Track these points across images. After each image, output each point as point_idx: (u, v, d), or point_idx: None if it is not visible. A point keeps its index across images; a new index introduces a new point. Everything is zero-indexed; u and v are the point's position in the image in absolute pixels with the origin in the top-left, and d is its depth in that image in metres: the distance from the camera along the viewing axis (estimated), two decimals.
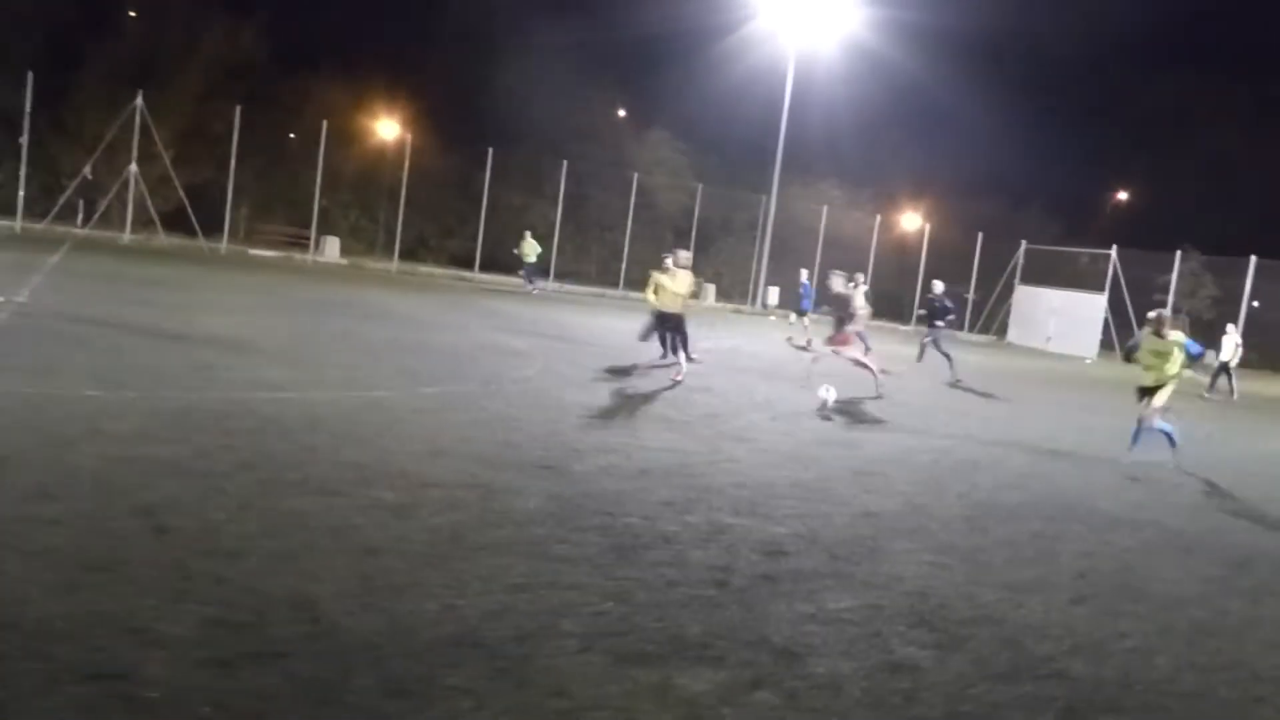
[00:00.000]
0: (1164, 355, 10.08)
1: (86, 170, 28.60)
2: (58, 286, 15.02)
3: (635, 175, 35.25)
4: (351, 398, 9.00)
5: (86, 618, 3.82)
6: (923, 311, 19.63)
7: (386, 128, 37.53)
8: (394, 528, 5.33)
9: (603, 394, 11.08)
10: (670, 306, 12.93)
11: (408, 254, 34.27)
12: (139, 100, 28.36)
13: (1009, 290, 36.49)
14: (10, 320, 10.91)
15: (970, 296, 37.55)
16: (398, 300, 21.02)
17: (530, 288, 29.26)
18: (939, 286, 19.35)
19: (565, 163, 33.61)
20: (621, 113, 44.15)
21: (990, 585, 5.63)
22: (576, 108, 39.40)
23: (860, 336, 15.34)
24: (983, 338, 35.54)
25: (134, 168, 28.46)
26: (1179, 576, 6.33)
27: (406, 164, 32.75)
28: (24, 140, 27.77)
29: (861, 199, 41.44)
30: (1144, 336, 10.41)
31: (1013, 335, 35.26)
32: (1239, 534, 7.90)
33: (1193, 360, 10.10)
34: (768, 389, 13.20)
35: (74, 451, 6.04)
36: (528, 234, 29.92)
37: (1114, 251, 33.26)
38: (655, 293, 13.15)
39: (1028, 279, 36.26)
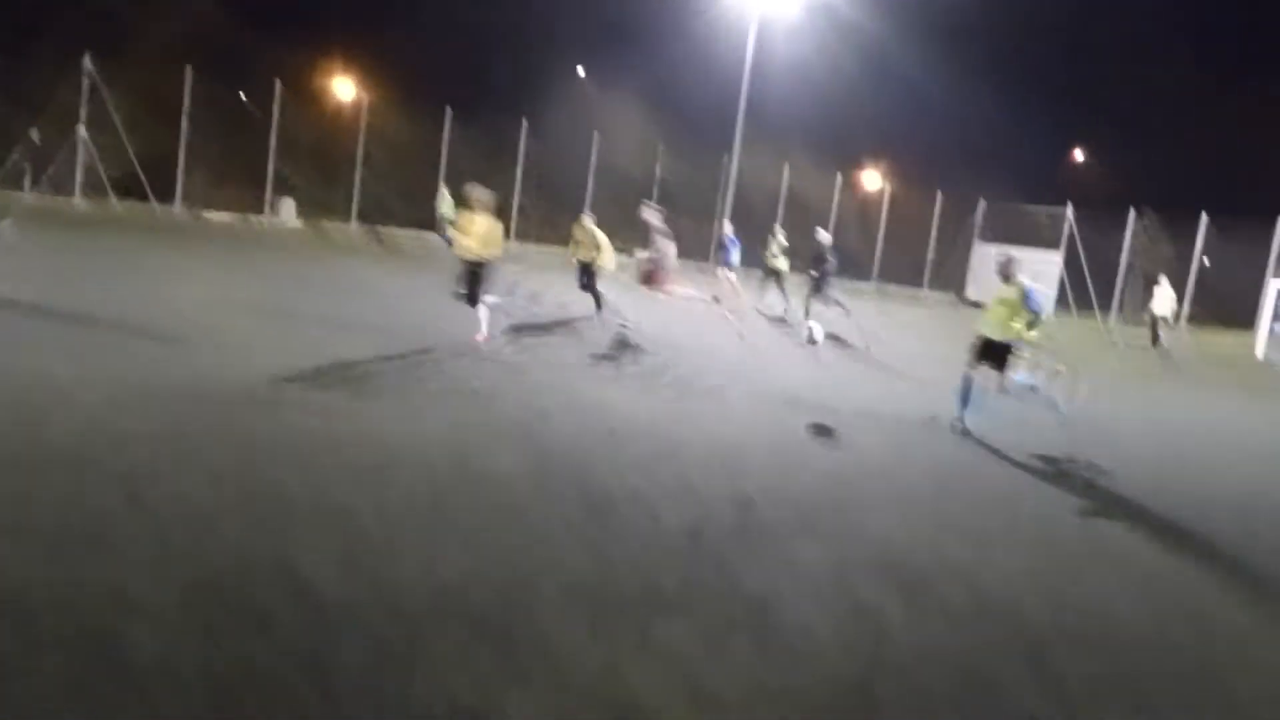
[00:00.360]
0: (1008, 304, 9.30)
1: (33, 133, 27.83)
2: (6, 255, 14.71)
3: (596, 134, 35.02)
4: (320, 366, 8.96)
5: (68, 588, 3.84)
6: (814, 271, 18.33)
7: (343, 87, 36.92)
8: (371, 493, 5.37)
9: (570, 357, 11.13)
10: (473, 254, 11.24)
11: (366, 216, 33.88)
12: (86, 61, 27.62)
13: (967, 248, 36.90)
14: None
15: (929, 255, 37.95)
16: (359, 265, 20.81)
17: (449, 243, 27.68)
18: (825, 236, 18.63)
19: (525, 121, 33.27)
20: (580, 71, 43.74)
21: (954, 536, 5.82)
22: (536, 67, 39.00)
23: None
24: (942, 294, 35.99)
25: (82, 130, 27.76)
26: (1136, 527, 6.56)
27: (363, 125, 32.29)
28: None
29: (824, 159, 41.56)
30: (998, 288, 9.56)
31: (971, 292, 35.69)
32: (1193, 489, 8.14)
33: (1033, 316, 9.18)
34: (735, 349, 13.31)
35: (45, 426, 5.99)
36: (444, 188, 28.89)
37: (1070, 209, 33.70)
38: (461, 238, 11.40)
39: (986, 237, 36.67)
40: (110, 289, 12.22)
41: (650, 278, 14.04)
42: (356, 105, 33.88)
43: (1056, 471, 8.04)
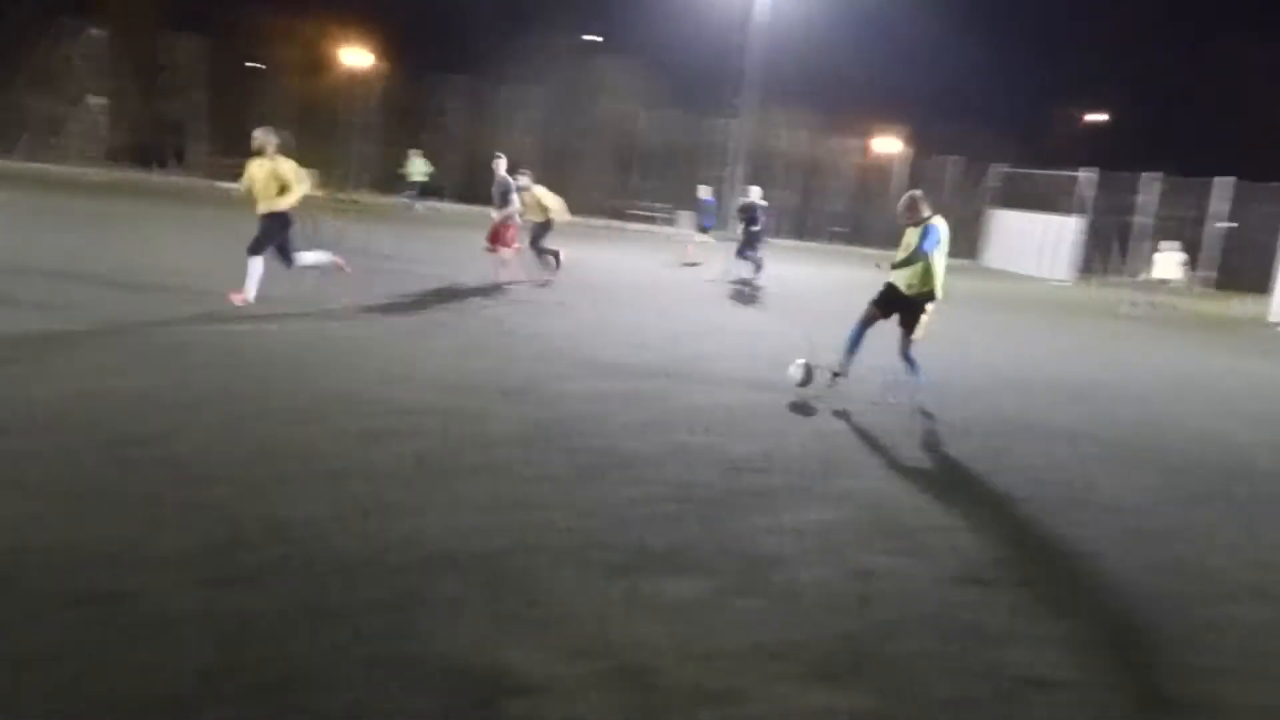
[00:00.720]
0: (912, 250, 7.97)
1: (38, 103, 27.89)
2: (3, 222, 14.79)
3: (600, 101, 34.81)
4: (307, 328, 9.01)
5: (65, 547, 3.89)
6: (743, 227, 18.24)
7: (349, 55, 36.73)
8: (360, 454, 5.42)
9: (556, 320, 11.14)
10: (271, 205, 9.91)
11: (372, 184, 33.88)
12: (90, 29, 27.62)
13: (981, 213, 36.56)
14: None
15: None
16: (354, 230, 20.76)
17: (410, 205, 27.92)
18: (754, 192, 18.47)
19: (534, 90, 33.08)
20: (585, 36, 43.38)
21: (940, 496, 5.83)
22: (538, 32, 38.67)
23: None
24: (956, 261, 35.76)
25: (90, 98, 27.82)
26: (1118, 486, 6.55)
27: (369, 93, 32.23)
28: None
29: (833, 123, 41.19)
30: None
31: (988, 259, 35.38)
32: (1174, 446, 8.12)
33: (924, 255, 7.81)
34: (724, 314, 13.28)
35: (32, 386, 6.08)
36: (413, 152, 28.75)
37: (1084, 174, 33.34)
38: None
39: (1000, 202, 36.31)
40: (109, 254, 12.23)
41: (501, 236, 13.81)
42: (360, 72, 33.70)
43: (1036, 433, 8.03)
